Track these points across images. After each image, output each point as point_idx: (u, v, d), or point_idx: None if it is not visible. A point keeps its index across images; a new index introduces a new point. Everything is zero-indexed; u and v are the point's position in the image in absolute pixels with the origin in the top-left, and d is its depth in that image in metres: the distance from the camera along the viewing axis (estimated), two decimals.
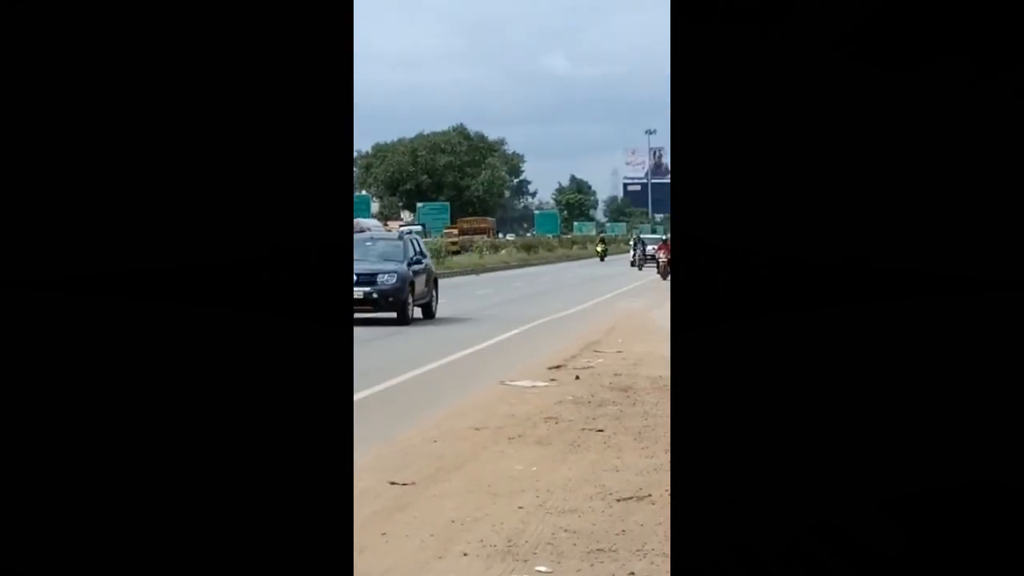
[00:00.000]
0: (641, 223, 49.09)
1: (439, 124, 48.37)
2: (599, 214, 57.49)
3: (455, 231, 38.50)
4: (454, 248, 31.55)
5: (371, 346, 8.38)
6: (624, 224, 50.12)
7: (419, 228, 34.28)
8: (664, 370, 6.42)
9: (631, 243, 33.13)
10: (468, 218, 43.11)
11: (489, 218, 44.58)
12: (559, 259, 33.95)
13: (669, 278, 18.20)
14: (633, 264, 26.66)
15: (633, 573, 2.56)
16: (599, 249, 37.05)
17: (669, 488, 2.91)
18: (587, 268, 27.29)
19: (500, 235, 41.89)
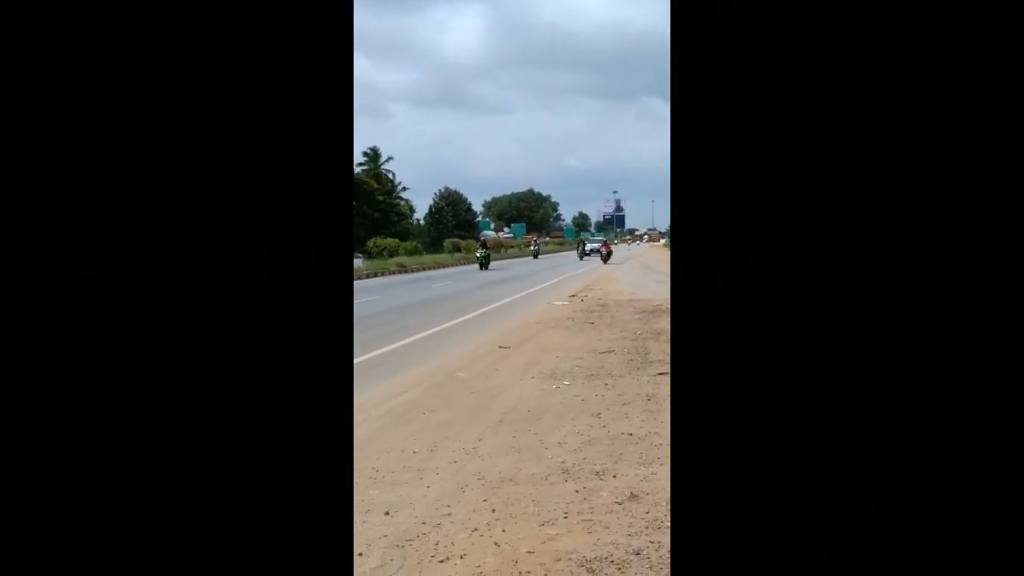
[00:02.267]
0: (607, 232, 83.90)
1: (520, 188, 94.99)
2: (592, 228, 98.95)
3: (534, 238, 57.52)
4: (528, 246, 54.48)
5: (486, 288, 17.15)
6: (603, 232, 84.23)
7: (512, 235, 62.90)
8: (620, 297, 13.11)
9: (531, 246, 44.07)
10: (555, 233, 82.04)
11: (559, 233, 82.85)
12: (571, 250, 52.12)
13: (609, 260, 31.83)
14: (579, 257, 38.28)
15: (607, 384, 5.39)
16: (479, 255, 28.41)
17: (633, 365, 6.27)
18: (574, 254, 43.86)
19: (547, 239, 73.54)
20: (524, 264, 31.40)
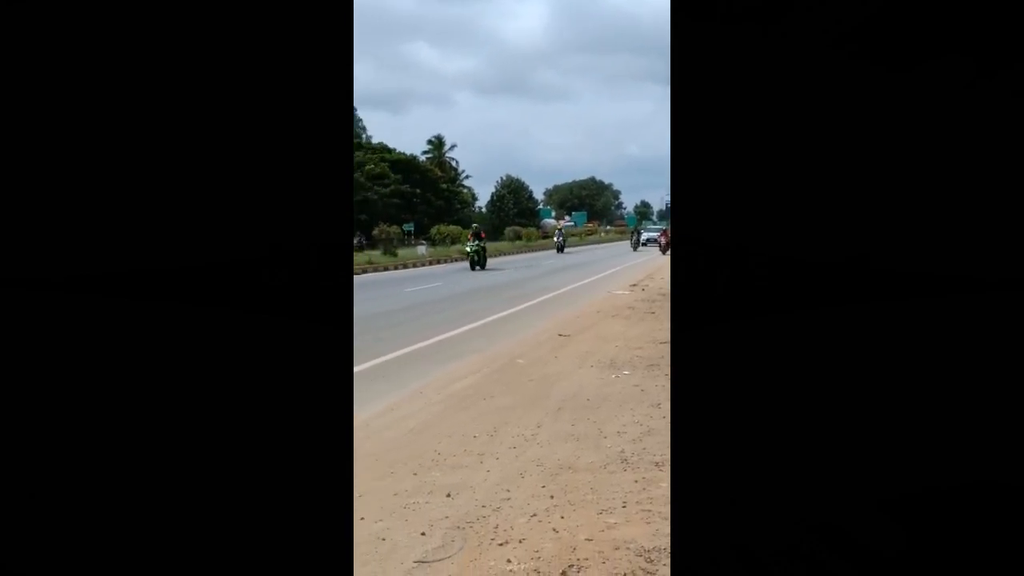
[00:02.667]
0: (668, 222, 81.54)
1: (582, 176, 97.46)
2: (655, 217, 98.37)
3: (595, 227, 66.85)
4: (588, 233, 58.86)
5: (545, 277, 17.79)
6: (665, 221, 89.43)
7: (572, 224, 63.43)
8: None
9: (555, 237, 37.85)
10: (617, 221, 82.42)
11: (621, 222, 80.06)
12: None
13: (669, 251, 31.38)
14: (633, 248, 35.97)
15: (667, 374, 4.96)
16: (469, 249, 22.49)
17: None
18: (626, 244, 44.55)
19: (609, 228, 76.78)
20: (553, 257, 28.56)
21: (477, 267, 22.11)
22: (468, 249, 22.94)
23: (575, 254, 30.89)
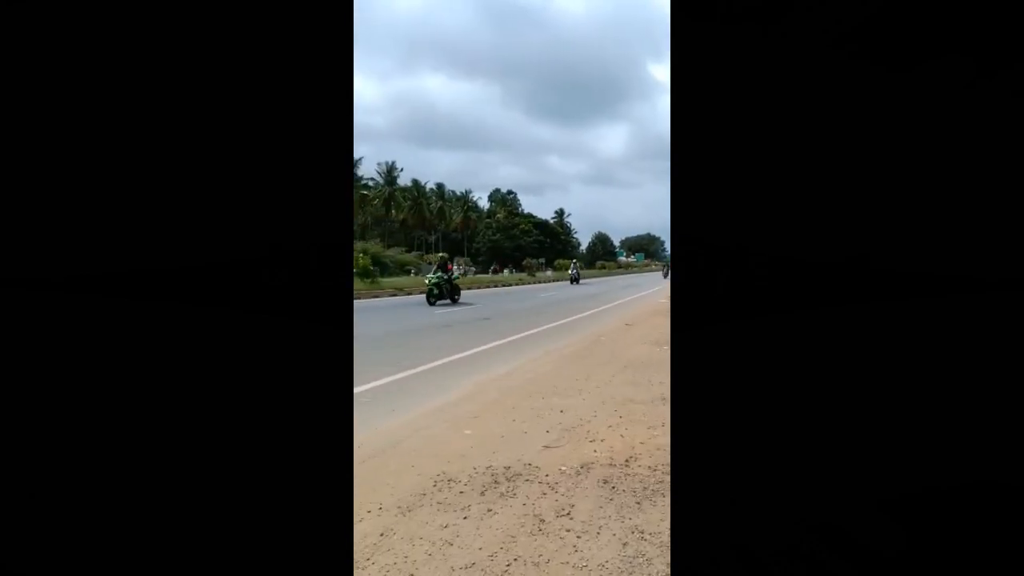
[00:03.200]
0: None
1: (642, 232, 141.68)
2: None
3: (649, 262, 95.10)
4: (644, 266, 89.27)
5: (617, 290, 28.41)
6: None
7: (635, 260, 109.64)
8: None
9: (570, 270, 44.69)
10: (666, 259, 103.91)
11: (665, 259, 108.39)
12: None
13: None
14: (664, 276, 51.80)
15: None
16: (428, 280, 17.95)
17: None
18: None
19: (657, 263, 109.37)
20: (624, 278, 45.89)
21: (439, 302, 17.06)
22: (427, 281, 17.96)
23: (635, 276, 54.16)
